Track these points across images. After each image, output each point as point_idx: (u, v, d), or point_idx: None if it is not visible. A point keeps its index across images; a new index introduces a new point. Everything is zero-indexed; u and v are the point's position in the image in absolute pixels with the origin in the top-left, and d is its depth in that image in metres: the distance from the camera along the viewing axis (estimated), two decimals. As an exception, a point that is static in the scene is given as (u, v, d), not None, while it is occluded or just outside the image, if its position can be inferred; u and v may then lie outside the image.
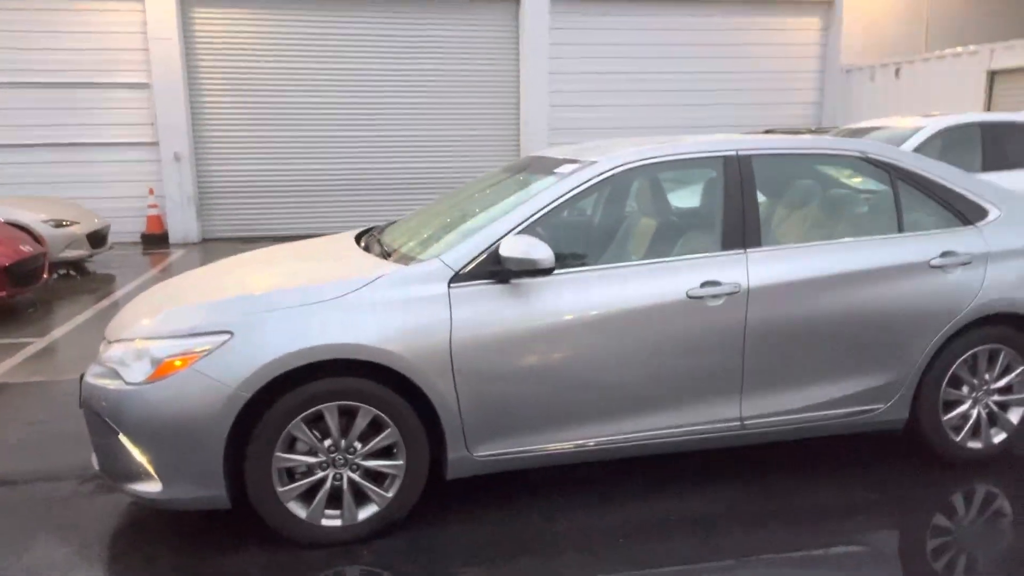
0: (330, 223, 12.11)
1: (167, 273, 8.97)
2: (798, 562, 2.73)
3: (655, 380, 3.02)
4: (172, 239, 11.66)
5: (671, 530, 2.95)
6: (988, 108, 9.94)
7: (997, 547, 2.84)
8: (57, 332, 6.14)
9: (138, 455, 2.72)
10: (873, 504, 3.16)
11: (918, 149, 6.31)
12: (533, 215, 2.98)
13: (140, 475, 2.76)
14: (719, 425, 3.12)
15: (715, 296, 3.02)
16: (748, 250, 3.11)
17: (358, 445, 2.82)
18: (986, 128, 6.62)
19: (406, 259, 3.04)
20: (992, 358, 3.38)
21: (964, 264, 3.27)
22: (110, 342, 2.93)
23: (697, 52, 12.96)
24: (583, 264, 3.04)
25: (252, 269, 3.37)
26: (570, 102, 12.63)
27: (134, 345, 2.78)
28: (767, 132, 9.34)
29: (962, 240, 3.31)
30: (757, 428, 3.17)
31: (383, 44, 12.00)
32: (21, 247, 6.68)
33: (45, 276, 7.12)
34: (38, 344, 5.78)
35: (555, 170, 3.28)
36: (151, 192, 11.52)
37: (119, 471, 2.81)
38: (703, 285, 3.01)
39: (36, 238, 7.51)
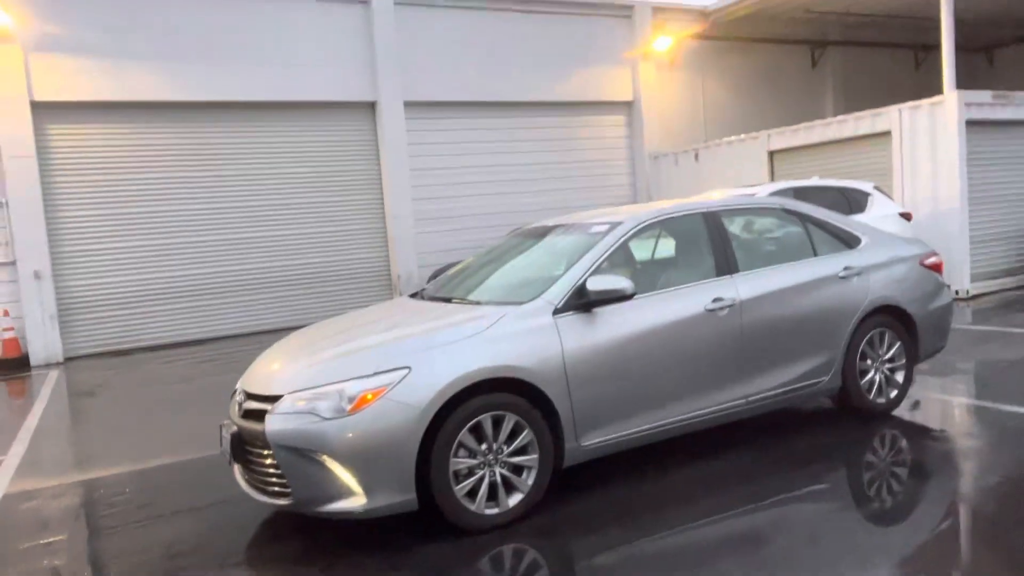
0: (203, 328, 12.07)
1: (30, 400, 8.45)
2: (815, 493, 3.93)
3: (693, 373, 4.14)
4: (34, 361, 10.95)
5: (728, 479, 4.04)
6: (772, 178, 12.60)
7: (905, 464, 4.27)
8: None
9: (345, 476, 3.31)
10: (835, 444, 4.50)
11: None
12: (598, 260, 4.05)
13: (343, 494, 3.34)
14: (736, 402, 4.30)
15: (721, 308, 4.24)
16: (733, 275, 4.40)
17: (504, 447, 3.62)
18: (796, 191, 8.78)
19: (504, 303, 3.95)
20: (881, 338, 4.91)
21: (857, 275, 4.80)
22: (284, 395, 3.49)
23: (532, 147, 14.83)
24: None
25: (363, 327, 4.07)
26: (431, 195, 13.83)
27: (326, 389, 3.40)
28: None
29: (852, 258, 4.86)
30: (757, 403, 4.39)
31: (246, 151, 12.47)
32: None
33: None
34: None
35: (590, 230, 4.38)
36: (6, 313, 10.83)
37: (320, 496, 3.36)
38: (713, 301, 4.23)
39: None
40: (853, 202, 9.01)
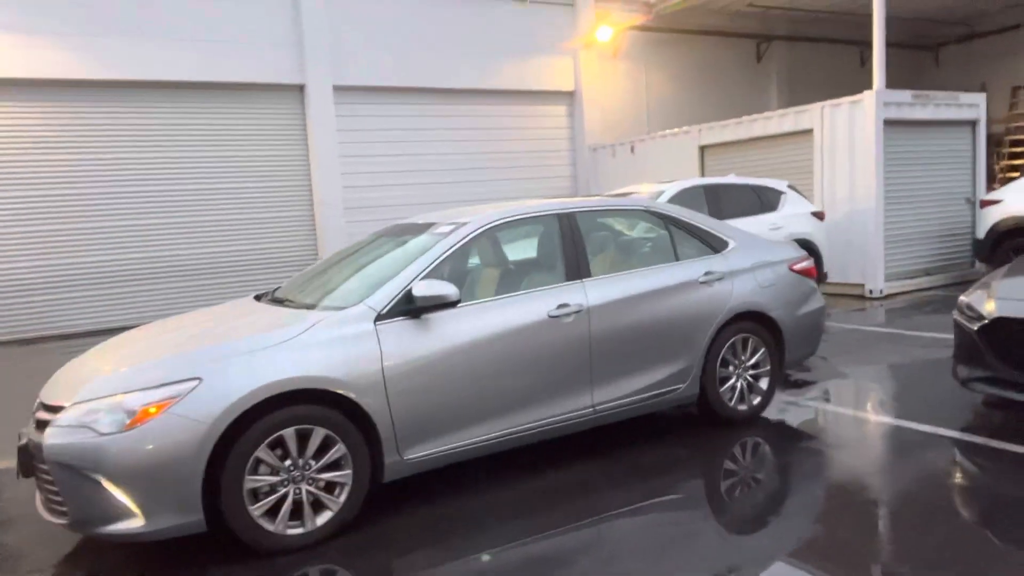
0: (118, 316, 11.66)
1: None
2: (658, 505, 3.80)
3: (533, 382, 3.97)
4: (-69, 349, 10.48)
5: (566, 494, 3.88)
6: (702, 173, 12.51)
7: (767, 473, 4.15)
8: None
9: (120, 496, 3.08)
10: (687, 456, 4.36)
11: (665, 207, 8.09)
12: (431, 264, 3.85)
13: (121, 515, 3.11)
14: (581, 411, 4.14)
15: (567, 314, 4.08)
16: (584, 280, 4.23)
17: (312, 462, 3.41)
18: (707, 188, 8.67)
19: (327, 308, 3.73)
20: (744, 344, 4.79)
21: (719, 279, 4.67)
22: (66, 406, 3.24)
23: (470, 135, 14.57)
24: (471, 299, 3.94)
25: (180, 331, 3.82)
26: (362, 183, 13.51)
27: (105, 401, 3.16)
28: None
29: (716, 263, 4.73)
30: (605, 412, 4.24)
31: (166, 133, 12.02)
32: None
33: None
34: None
35: (433, 231, 4.17)
36: (-100, 300, 10.34)
37: (97, 516, 3.13)
38: (558, 307, 4.06)
39: None
40: (765, 201, 8.93)
